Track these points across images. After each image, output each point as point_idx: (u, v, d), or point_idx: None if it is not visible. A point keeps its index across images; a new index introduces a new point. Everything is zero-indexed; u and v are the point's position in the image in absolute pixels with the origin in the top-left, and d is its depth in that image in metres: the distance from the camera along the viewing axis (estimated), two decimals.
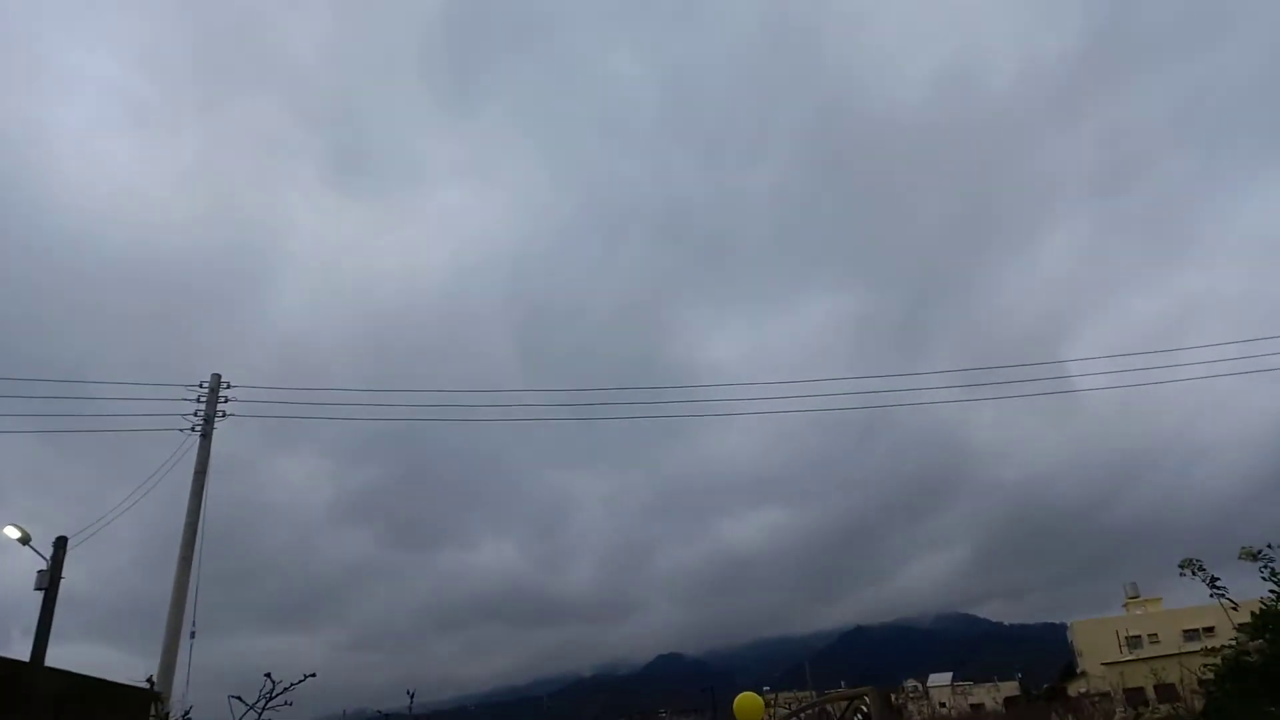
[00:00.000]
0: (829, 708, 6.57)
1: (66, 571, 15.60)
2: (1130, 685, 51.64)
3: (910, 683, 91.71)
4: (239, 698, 8.45)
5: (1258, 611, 6.86)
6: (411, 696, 16.50)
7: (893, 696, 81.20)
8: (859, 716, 5.91)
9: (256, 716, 8.33)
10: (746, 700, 7.27)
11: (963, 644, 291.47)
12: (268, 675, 8.44)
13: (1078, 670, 74.20)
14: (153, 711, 13.86)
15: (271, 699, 8.39)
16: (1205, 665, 7.31)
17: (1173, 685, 36.57)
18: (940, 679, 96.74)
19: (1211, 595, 7.02)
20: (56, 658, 15.44)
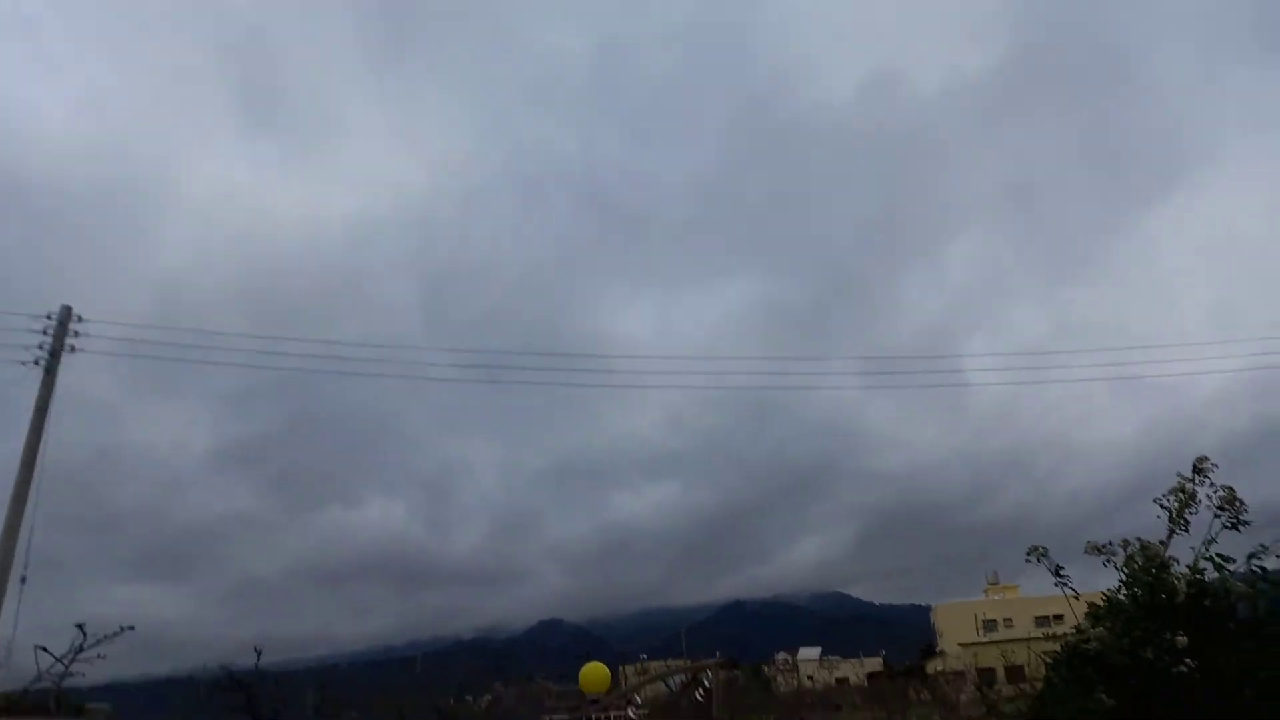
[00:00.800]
0: (677, 678, 6.45)
1: None
2: (983, 665, 54.83)
3: (781, 655, 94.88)
4: (44, 648, 7.74)
5: (1100, 602, 7.01)
6: (259, 653, 15.78)
7: (764, 668, 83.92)
8: (700, 690, 5.79)
9: (64, 668, 7.65)
10: (593, 670, 7.02)
11: (835, 622, 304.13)
12: (79, 626, 7.74)
13: (937, 650, 78.41)
14: None
15: (81, 651, 7.73)
16: (1044, 652, 7.45)
17: (1021, 667, 38.87)
18: (810, 653, 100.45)
19: (1055, 584, 7.15)
20: None
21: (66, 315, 18.43)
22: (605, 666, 6.30)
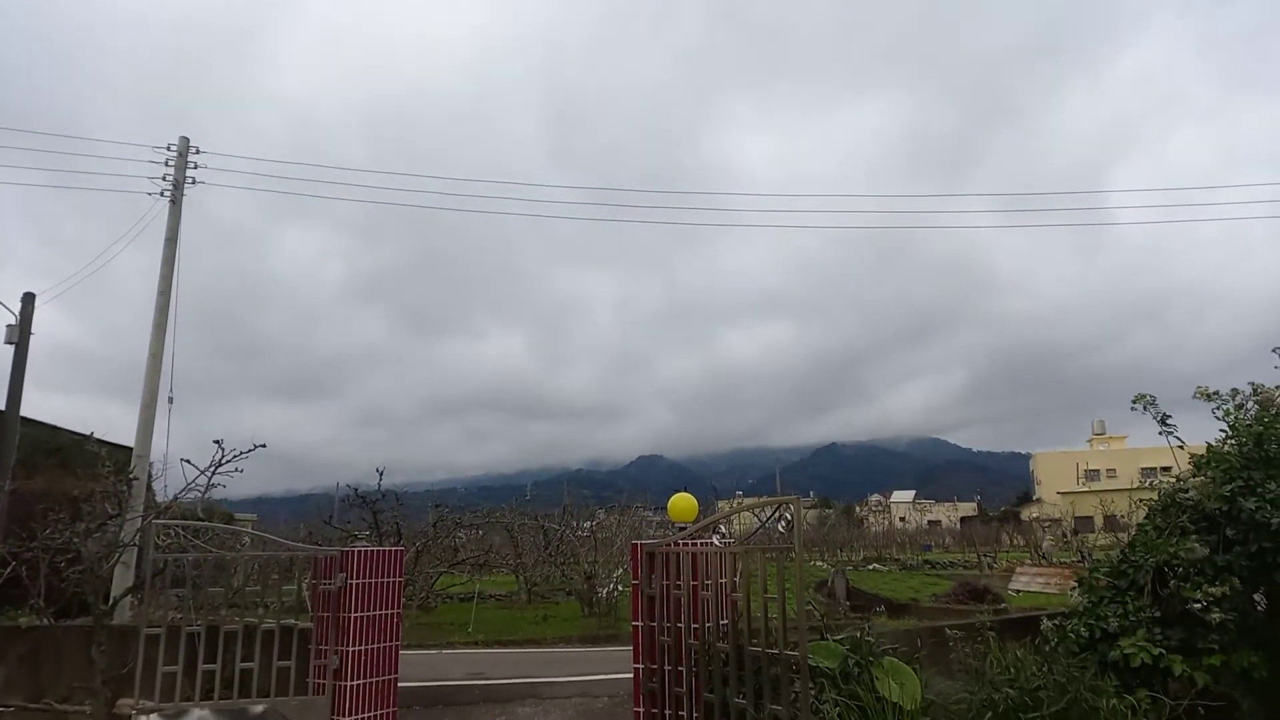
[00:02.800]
0: (755, 513, 6.74)
1: (62, 328, 15.55)
2: (1081, 514, 54.64)
3: (875, 497, 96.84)
4: (189, 460, 8.67)
5: (1205, 452, 6.82)
6: (380, 473, 17.09)
7: (856, 508, 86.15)
8: (783, 522, 6.05)
9: (207, 479, 8.58)
10: (680, 500, 7.34)
11: (931, 466, 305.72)
12: (216, 442, 8.59)
13: (1034, 497, 78.21)
14: (130, 469, 14.32)
15: (220, 465, 8.60)
16: (1142, 500, 7.35)
17: (1119, 516, 38.48)
18: (903, 496, 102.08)
19: (1160, 433, 6.94)
20: (53, 411, 15.72)
21: (185, 146, 19.17)
22: (692, 497, 6.61)
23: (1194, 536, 6.41)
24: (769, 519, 7.03)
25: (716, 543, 6.90)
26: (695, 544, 6.58)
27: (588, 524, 27.32)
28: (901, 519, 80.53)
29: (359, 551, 7.43)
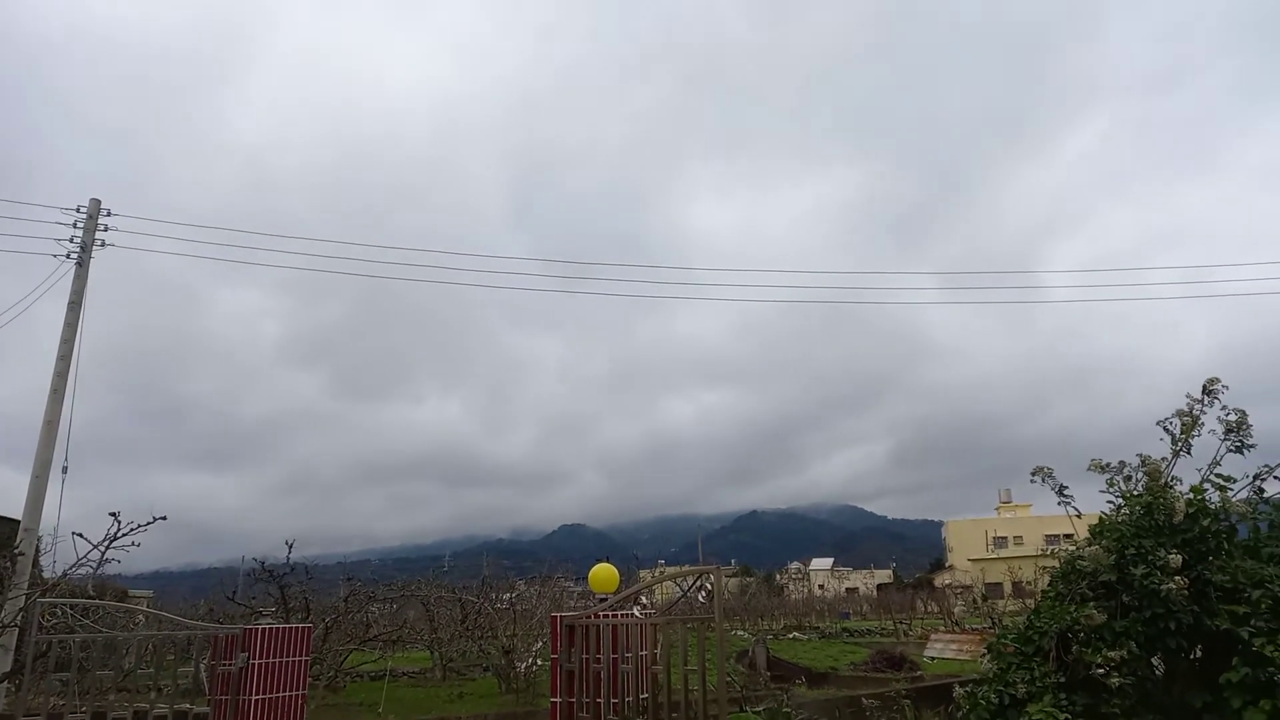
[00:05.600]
0: (677, 583, 6.73)
1: None
2: (990, 580, 56.10)
3: (795, 565, 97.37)
4: (80, 534, 8.18)
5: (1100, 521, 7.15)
6: (290, 545, 16.45)
7: (777, 575, 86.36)
8: (703, 592, 6.06)
9: (100, 554, 8.09)
10: (601, 570, 7.31)
11: (850, 534, 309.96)
12: (113, 514, 8.14)
13: (946, 564, 79.99)
14: (15, 543, 13.41)
15: (116, 539, 8.14)
16: (1045, 568, 7.64)
17: (1023, 583, 39.68)
18: (822, 563, 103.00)
19: (1059, 503, 7.26)
20: None
21: (96, 209, 18.59)
22: (613, 567, 6.57)
23: (1093, 603, 6.68)
24: (690, 588, 7.05)
25: (637, 614, 6.86)
26: (616, 615, 6.53)
27: (507, 596, 26.64)
28: (820, 587, 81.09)
29: (262, 629, 7.10)
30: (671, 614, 7.11)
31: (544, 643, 19.03)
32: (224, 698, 6.89)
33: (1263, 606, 5.93)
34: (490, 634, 23.43)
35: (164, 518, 8.23)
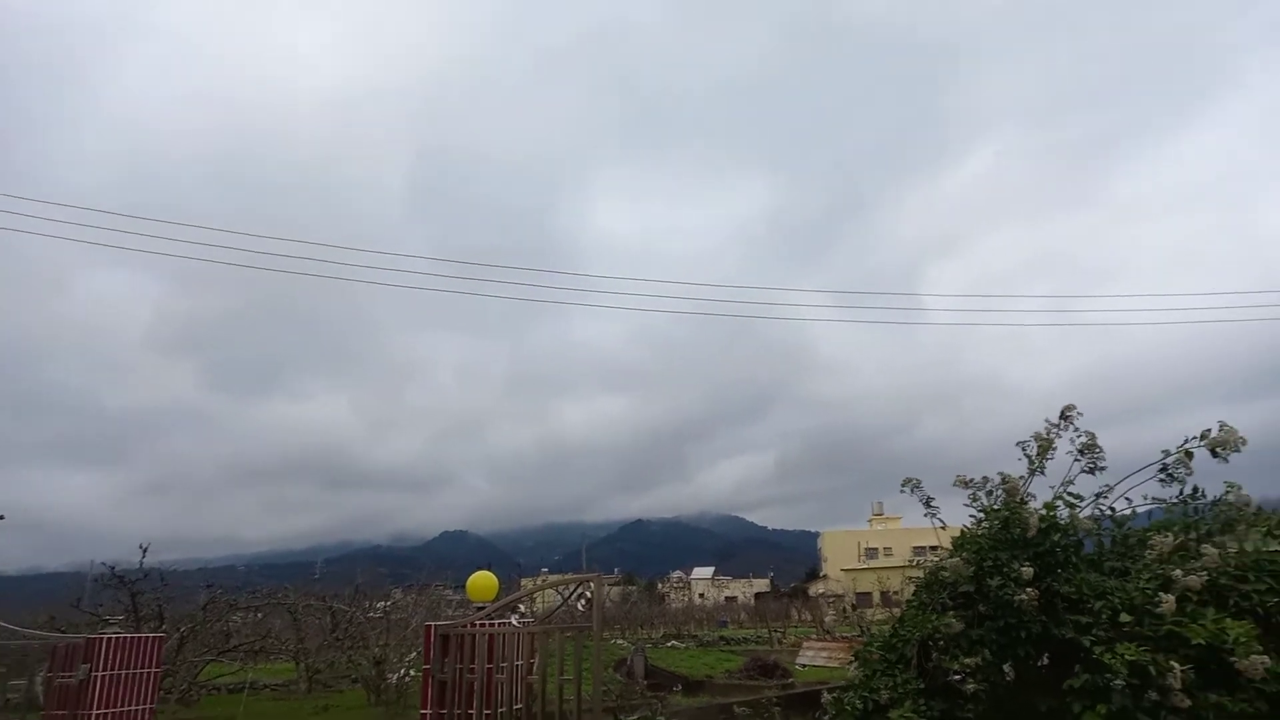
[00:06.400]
0: (559, 591, 6.69)
1: None
2: (861, 589, 58.35)
3: (676, 574, 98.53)
4: None
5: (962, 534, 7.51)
6: (144, 549, 15.46)
7: (659, 584, 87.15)
8: (583, 600, 6.03)
9: None
10: (480, 579, 7.18)
11: (731, 543, 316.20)
12: None
13: (821, 574, 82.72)
14: None
15: None
16: (910, 578, 7.97)
17: (891, 593, 41.47)
18: (703, 572, 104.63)
19: (925, 515, 7.59)
20: None
21: None
22: (493, 575, 6.45)
23: (953, 612, 7.01)
24: (570, 596, 7.00)
25: (515, 623, 6.76)
26: (493, 624, 6.40)
27: (381, 604, 25.82)
28: (701, 595, 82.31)
29: (108, 639, 6.60)
30: (550, 623, 7.02)
31: (418, 653, 18.55)
32: (61, 713, 6.37)
33: (1103, 617, 6.36)
34: (361, 644, 22.63)
35: (1, 517, 7.53)
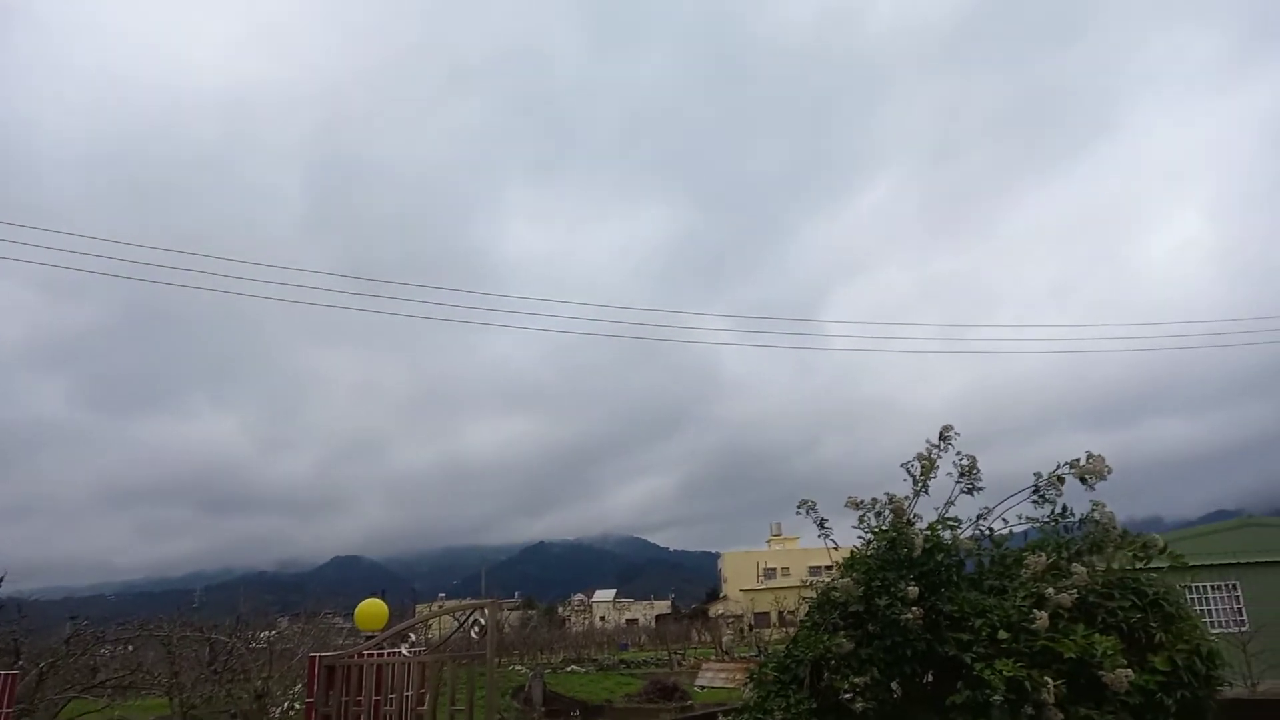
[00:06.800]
0: (455, 617, 6.49)
1: None
2: (760, 610, 59.21)
3: (577, 596, 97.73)
4: None
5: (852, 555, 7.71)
6: (1, 578, 14.32)
7: (559, 608, 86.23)
8: (476, 629, 5.89)
9: None
10: (369, 607, 6.92)
11: (633, 565, 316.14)
12: None
13: (721, 595, 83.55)
14: None
15: None
16: (804, 598, 8.11)
17: (792, 612, 42.25)
18: (604, 595, 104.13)
19: (819, 536, 7.76)
20: None
21: None
22: (382, 603, 6.18)
23: (843, 632, 7.18)
24: (463, 623, 6.81)
25: (405, 652, 6.53)
26: (382, 654, 6.17)
27: (265, 634, 24.56)
28: (602, 618, 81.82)
29: None
30: (444, 651, 6.82)
31: (304, 684, 17.73)
32: None
33: (983, 634, 6.63)
34: (242, 677, 21.46)
35: None
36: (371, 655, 6.16)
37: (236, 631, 24.20)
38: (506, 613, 56.15)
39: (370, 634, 6.78)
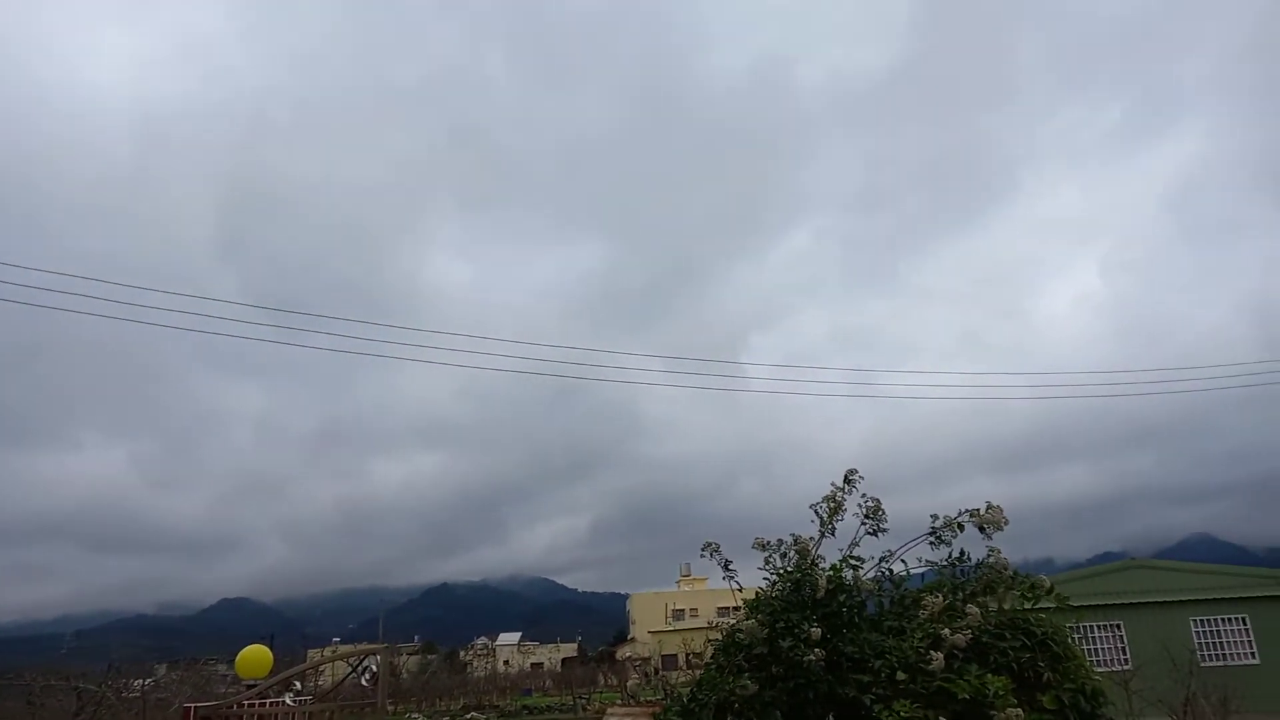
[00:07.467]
0: (349, 662, 6.17)
1: None
2: (667, 652, 58.78)
3: (481, 640, 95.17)
4: None
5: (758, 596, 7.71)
6: None
7: (461, 652, 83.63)
8: (367, 675, 5.59)
9: None
10: (252, 653, 6.51)
11: (540, 607, 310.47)
12: None
13: (629, 637, 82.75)
14: None
15: None
16: (710, 640, 8.06)
17: (699, 654, 42.08)
18: (509, 638, 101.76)
19: (724, 578, 7.74)
20: None
21: None
22: (266, 649, 5.80)
23: (748, 674, 7.14)
24: (355, 668, 6.48)
25: (290, 700, 6.14)
26: (264, 703, 5.79)
27: (141, 682, 22.97)
28: (506, 662, 79.82)
29: None
30: (335, 698, 6.45)
31: None
32: None
33: (882, 675, 6.70)
34: None
35: None
36: (252, 704, 5.78)
37: (108, 680, 22.55)
38: (405, 657, 54.08)
39: (252, 682, 6.38)
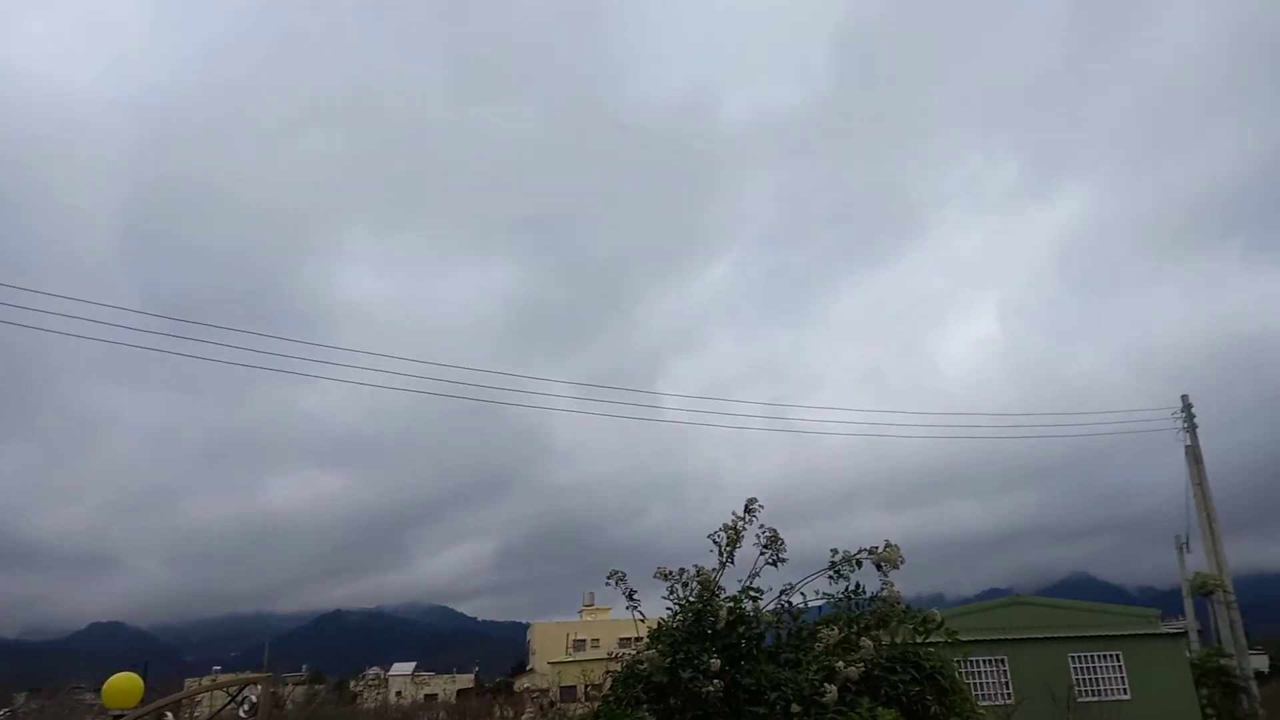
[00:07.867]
0: (228, 692, 5.83)
1: None
2: (566, 683, 57.91)
3: (373, 670, 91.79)
4: None
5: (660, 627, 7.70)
6: None
7: (351, 683, 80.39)
8: (246, 706, 5.28)
9: None
10: (120, 682, 6.11)
11: (438, 635, 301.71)
12: None
13: (529, 667, 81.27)
14: None
15: None
16: (609, 671, 7.97)
17: (599, 685, 41.65)
18: (403, 668, 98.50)
19: (627, 607, 7.70)
20: None
21: None
22: (137, 677, 5.43)
23: (646, 706, 7.10)
24: (234, 698, 6.13)
25: None
26: None
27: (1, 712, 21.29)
28: (398, 694, 77.07)
29: None
30: None
31: None
32: None
33: (778, 708, 6.76)
34: None
35: None
36: None
37: None
38: (290, 688, 51.62)
39: (119, 712, 5.98)
